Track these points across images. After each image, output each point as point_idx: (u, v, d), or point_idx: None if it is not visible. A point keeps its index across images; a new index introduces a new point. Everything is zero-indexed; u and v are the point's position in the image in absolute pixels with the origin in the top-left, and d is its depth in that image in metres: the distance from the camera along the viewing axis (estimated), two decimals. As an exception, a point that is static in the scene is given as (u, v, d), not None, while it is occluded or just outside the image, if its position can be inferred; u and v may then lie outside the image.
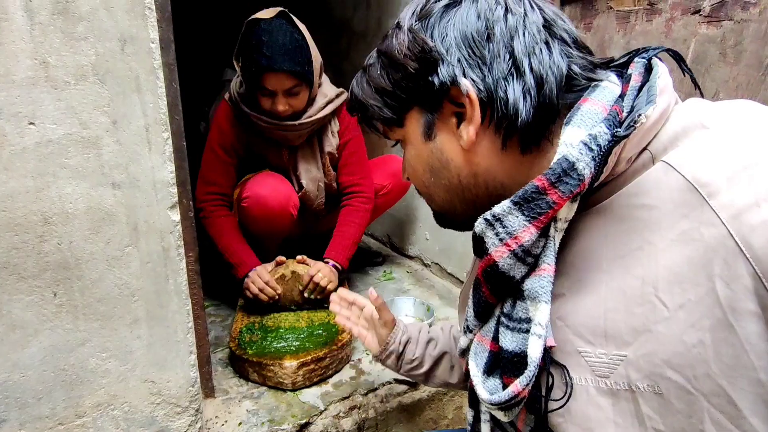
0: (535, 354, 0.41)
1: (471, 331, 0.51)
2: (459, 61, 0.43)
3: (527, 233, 0.40)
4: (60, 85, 0.72)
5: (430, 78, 0.45)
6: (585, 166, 0.38)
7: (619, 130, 0.39)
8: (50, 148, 0.73)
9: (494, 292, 0.45)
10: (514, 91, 0.42)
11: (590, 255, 0.42)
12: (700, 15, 0.90)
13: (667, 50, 0.46)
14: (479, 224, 0.44)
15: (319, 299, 1.44)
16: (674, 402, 0.36)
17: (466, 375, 0.53)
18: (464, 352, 0.54)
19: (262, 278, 1.39)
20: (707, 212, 0.34)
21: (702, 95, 0.47)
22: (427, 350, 0.84)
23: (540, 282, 0.41)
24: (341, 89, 1.55)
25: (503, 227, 0.42)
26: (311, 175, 1.57)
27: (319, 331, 1.34)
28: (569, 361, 0.42)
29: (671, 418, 0.37)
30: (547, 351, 0.42)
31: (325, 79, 1.53)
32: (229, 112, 1.47)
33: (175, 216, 0.86)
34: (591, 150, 0.38)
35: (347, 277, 1.74)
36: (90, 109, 0.74)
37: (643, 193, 0.39)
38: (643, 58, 0.45)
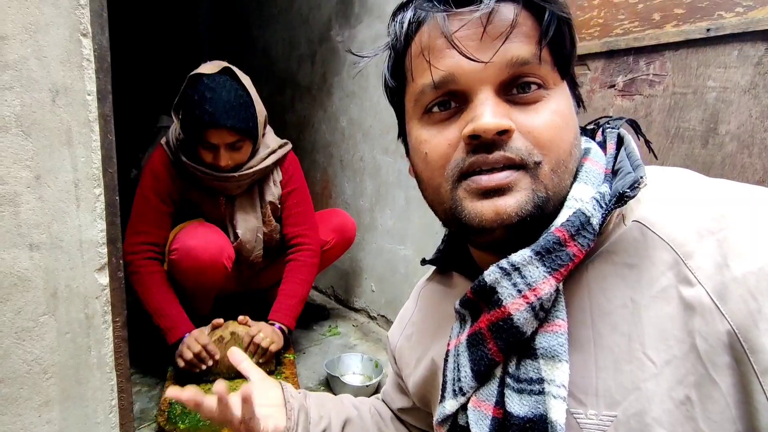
0: (560, 419, 0.38)
1: (464, 394, 0.44)
2: None
3: (547, 285, 0.38)
4: (-26, 137, 0.65)
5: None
6: (597, 222, 0.39)
7: (627, 191, 0.40)
8: (-45, 205, 0.64)
9: (502, 349, 0.41)
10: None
11: (576, 310, 0.42)
12: (615, 89, 1.03)
13: (628, 120, 0.51)
14: (493, 273, 0.41)
15: (260, 363, 1.35)
16: None
17: None
18: (446, 420, 0.47)
19: (200, 341, 1.27)
20: (684, 271, 0.37)
21: (656, 158, 0.52)
22: (332, 410, 0.67)
23: (557, 339, 0.39)
24: (285, 140, 1.55)
25: (522, 277, 0.39)
26: (249, 225, 1.52)
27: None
28: None
29: None
30: None
31: (268, 130, 1.52)
32: (165, 158, 1.41)
33: (103, 279, 0.78)
34: (601, 207, 0.40)
35: (291, 335, 1.66)
36: (9, 162, 0.67)
37: (622, 251, 0.41)
38: (613, 127, 0.49)
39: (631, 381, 0.38)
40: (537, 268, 0.39)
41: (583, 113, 0.49)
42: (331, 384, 1.43)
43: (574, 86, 0.47)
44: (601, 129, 0.51)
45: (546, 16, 0.40)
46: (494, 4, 0.40)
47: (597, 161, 0.44)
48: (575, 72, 0.47)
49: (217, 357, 1.30)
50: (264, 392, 0.63)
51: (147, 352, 1.54)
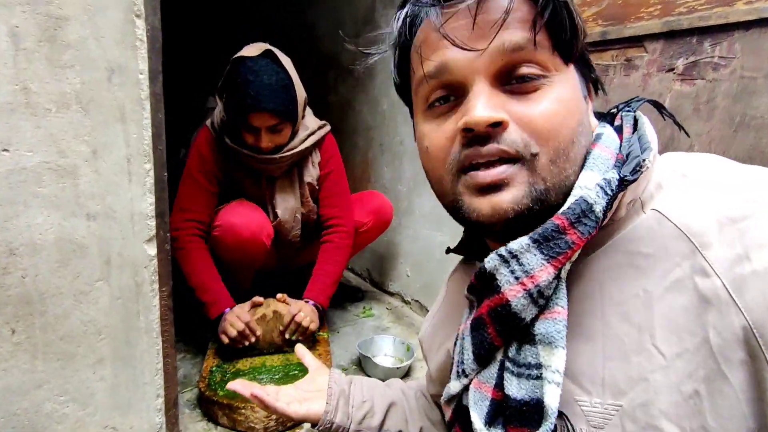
0: (554, 404, 0.39)
1: (466, 376, 0.46)
2: None
3: (545, 273, 0.39)
4: (40, 113, 0.70)
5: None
6: (600, 210, 0.39)
7: (627, 174, 0.39)
8: (23, 175, 0.70)
9: (501, 334, 0.43)
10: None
11: (587, 300, 0.42)
12: (675, 73, 0.96)
13: (648, 101, 0.50)
14: (492, 260, 0.41)
15: (299, 340, 1.40)
16: None
17: (450, 424, 0.50)
18: (452, 399, 0.49)
19: (242, 319, 1.32)
20: (700, 262, 0.36)
21: (688, 135, 0.52)
22: (376, 393, 0.70)
23: (555, 326, 0.39)
24: (324, 122, 1.58)
25: (520, 265, 0.40)
26: (288, 206, 1.57)
27: (295, 372, 1.29)
28: (566, 410, 0.41)
29: None
30: None
31: (308, 112, 1.55)
32: (210, 139, 1.48)
33: (152, 250, 0.83)
34: (606, 194, 0.39)
35: (325, 314, 1.71)
36: (70, 137, 0.73)
37: (638, 240, 0.40)
38: (629, 111, 0.48)
39: (639, 372, 0.37)
40: (534, 255, 0.39)
41: (602, 97, 0.49)
42: (363, 364, 1.46)
43: (588, 70, 0.46)
44: (620, 113, 0.49)
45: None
46: None
47: (607, 146, 0.43)
48: (588, 56, 0.46)
49: (259, 334, 1.35)
50: (314, 379, 0.70)
51: (192, 323, 1.64)
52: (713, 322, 0.34)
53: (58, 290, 0.75)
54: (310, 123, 1.53)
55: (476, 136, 0.40)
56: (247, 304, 1.40)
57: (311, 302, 1.46)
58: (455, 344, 0.50)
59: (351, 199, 1.68)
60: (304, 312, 1.39)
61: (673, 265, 0.37)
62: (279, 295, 1.44)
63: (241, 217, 1.43)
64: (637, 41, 1.01)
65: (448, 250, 0.62)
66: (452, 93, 0.43)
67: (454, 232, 1.73)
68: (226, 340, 1.31)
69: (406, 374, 1.44)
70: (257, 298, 1.41)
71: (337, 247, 1.58)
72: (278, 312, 1.39)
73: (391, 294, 2.09)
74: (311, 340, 1.46)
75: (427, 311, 1.84)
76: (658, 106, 0.50)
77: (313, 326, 1.39)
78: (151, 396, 0.88)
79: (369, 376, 1.43)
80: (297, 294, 1.48)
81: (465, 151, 0.41)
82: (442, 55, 0.42)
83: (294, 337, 1.38)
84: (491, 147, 0.40)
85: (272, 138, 1.39)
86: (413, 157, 1.88)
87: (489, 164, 0.41)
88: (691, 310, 0.36)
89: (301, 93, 1.42)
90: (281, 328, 1.39)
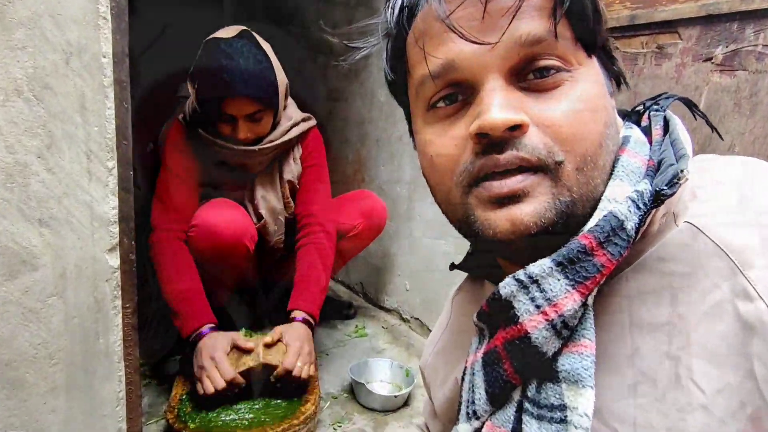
0: None
1: (478, 418, 0.45)
2: None
3: (570, 300, 0.37)
4: (-15, 101, 0.68)
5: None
6: (632, 227, 0.38)
7: (663, 188, 0.38)
8: (-36, 174, 0.68)
9: (519, 371, 0.41)
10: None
11: (613, 326, 0.41)
12: (713, 63, 0.96)
13: (680, 98, 0.49)
14: (508, 285, 0.40)
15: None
16: None
17: None
18: None
19: (224, 374, 1.20)
20: (742, 283, 0.35)
21: (721, 138, 0.50)
22: None
23: (582, 362, 0.38)
24: (308, 114, 1.57)
25: (541, 291, 0.39)
26: (269, 206, 1.55)
27: (278, 401, 1.27)
28: None
29: None
30: None
31: (290, 102, 1.55)
32: (182, 133, 1.46)
33: (114, 260, 0.81)
34: (639, 208, 0.38)
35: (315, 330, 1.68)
36: (20, 130, 0.70)
37: (670, 257, 0.39)
38: (658, 109, 0.47)
39: (677, 411, 0.36)
40: (558, 280, 0.38)
41: (626, 92, 0.50)
42: (355, 391, 1.45)
43: (610, 61, 0.45)
44: (647, 112, 0.48)
45: None
46: None
47: (637, 152, 0.43)
48: (610, 45, 0.45)
49: (243, 384, 1.24)
50: None
51: (158, 340, 1.61)
52: (758, 351, 0.33)
53: (3, 308, 0.72)
54: (294, 113, 1.52)
55: (492, 142, 0.39)
56: (226, 339, 1.27)
57: (300, 316, 1.39)
58: (463, 379, 0.48)
59: (332, 201, 1.65)
60: (302, 359, 1.27)
61: (711, 286, 0.36)
62: (267, 339, 1.30)
63: (222, 218, 1.40)
64: (670, 26, 1.01)
65: (452, 266, 0.60)
66: (459, 91, 0.42)
67: (460, 241, 1.71)
68: (201, 391, 1.21)
69: (405, 403, 1.42)
70: (240, 341, 1.28)
71: (319, 248, 1.52)
72: (269, 365, 1.26)
73: (388, 310, 2.08)
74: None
75: (429, 330, 1.83)
76: (690, 105, 0.49)
77: (312, 371, 1.29)
78: (111, 429, 0.86)
79: (362, 404, 1.41)
80: (280, 315, 1.43)
81: (479, 161, 0.40)
82: (448, 50, 0.40)
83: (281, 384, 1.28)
84: (510, 155, 0.38)
85: (251, 128, 1.37)
86: (414, 156, 1.87)
87: (506, 172, 0.39)
88: (732, 338, 0.35)
89: (282, 79, 1.41)
90: (272, 380, 1.27)
